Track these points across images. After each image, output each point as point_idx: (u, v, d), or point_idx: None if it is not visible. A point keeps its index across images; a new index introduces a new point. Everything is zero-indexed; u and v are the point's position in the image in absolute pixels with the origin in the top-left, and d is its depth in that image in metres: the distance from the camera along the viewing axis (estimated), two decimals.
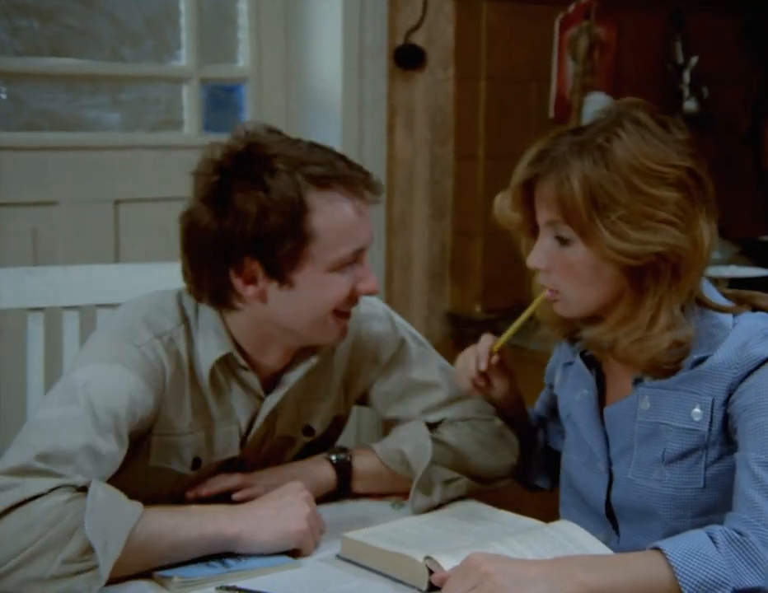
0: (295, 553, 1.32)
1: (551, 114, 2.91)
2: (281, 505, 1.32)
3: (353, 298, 1.40)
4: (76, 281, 1.84)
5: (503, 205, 1.38)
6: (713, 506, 1.29)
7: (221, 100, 2.87)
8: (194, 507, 1.33)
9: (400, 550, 1.28)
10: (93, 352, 1.40)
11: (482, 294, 2.82)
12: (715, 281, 1.38)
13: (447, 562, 1.21)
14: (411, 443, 1.53)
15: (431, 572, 1.23)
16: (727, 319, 1.32)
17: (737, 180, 3.25)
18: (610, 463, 1.38)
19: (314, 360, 1.48)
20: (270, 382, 1.47)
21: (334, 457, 1.53)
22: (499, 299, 2.72)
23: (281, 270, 1.35)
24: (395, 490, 1.53)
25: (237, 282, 1.37)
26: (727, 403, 1.28)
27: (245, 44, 2.85)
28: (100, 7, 2.61)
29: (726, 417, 1.29)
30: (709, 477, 1.30)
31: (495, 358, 1.47)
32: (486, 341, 1.48)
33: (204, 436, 1.45)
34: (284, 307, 1.38)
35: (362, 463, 1.53)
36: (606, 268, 1.28)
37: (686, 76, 3.11)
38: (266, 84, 2.88)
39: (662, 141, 1.29)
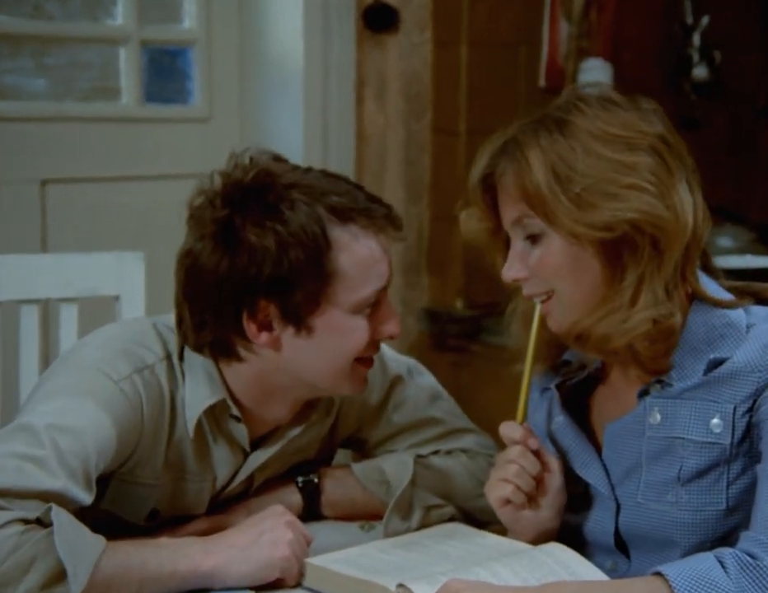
0: (278, 583, 1.33)
1: (542, 82, 2.93)
2: (261, 531, 1.33)
3: (374, 343, 1.43)
4: None
5: (470, 220, 1.40)
6: (737, 529, 1.30)
7: (164, 65, 2.87)
8: (165, 540, 1.33)
9: (370, 577, 1.29)
10: (59, 387, 1.38)
11: (464, 287, 2.83)
12: (714, 273, 1.40)
13: (422, 591, 1.22)
14: (393, 461, 1.56)
15: None
16: (739, 318, 1.35)
17: (753, 158, 3.28)
18: (612, 487, 1.40)
19: (314, 416, 1.51)
20: (257, 435, 1.49)
21: (300, 479, 1.55)
22: (483, 293, 2.72)
23: (300, 314, 1.37)
24: (368, 517, 1.55)
25: (250, 329, 1.38)
26: (751, 410, 1.30)
27: (192, 2, 2.85)
28: None
29: (750, 427, 1.30)
30: (731, 496, 1.31)
31: (527, 426, 1.40)
32: (510, 426, 1.39)
33: (171, 490, 1.46)
34: (301, 356, 1.39)
35: (334, 487, 1.55)
36: (583, 254, 1.30)
37: (696, 38, 3.13)
38: (216, 48, 2.88)
39: (626, 110, 1.34)
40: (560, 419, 1.45)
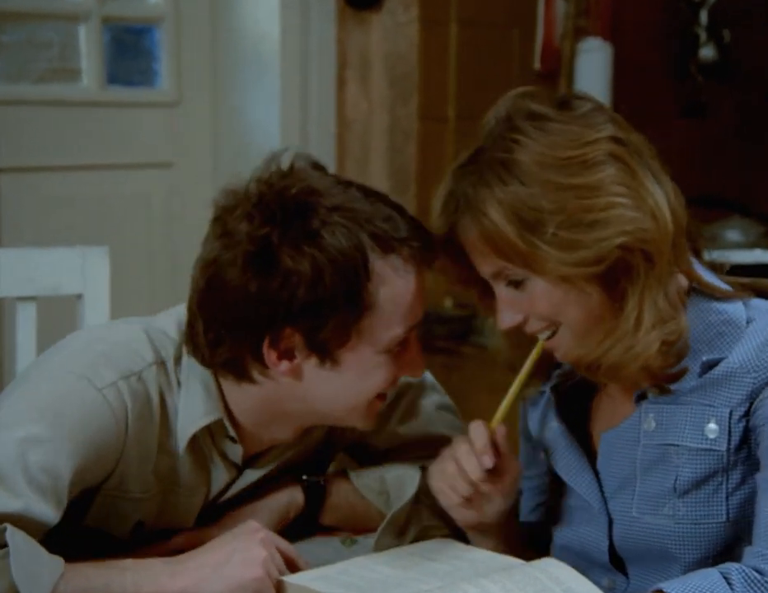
0: None
1: (537, 65, 2.95)
2: (232, 549, 1.33)
3: (396, 381, 1.44)
4: None
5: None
6: (739, 542, 1.31)
7: (128, 44, 2.87)
8: (129, 561, 1.33)
9: None
10: (34, 394, 1.37)
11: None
12: (713, 267, 1.41)
13: None
14: (396, 471, 1.56)
15: None
16: (737, 313, 1.36)
17: (764, 145, 3.29)
18: (605, 501, 1.41)
19: (315, 434, 1.53)
20: (250, 453, 1.49)
21: (305, 476, 1.55)
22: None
23: (327, 346, 1.37)
24: (365, 528, 1.55)
25: (269, 356, 1.37)
26: (748, 414, 1.31)
27: None
28: None
29: (747, 432, 1.31)
30: (732, 507, 1.32)
31: (502, 430, 1.39)
32: (478, 429, 1.38)
33: (160, 503, 1.46)
34: (321, 388, 1.40)
35: (339, 491, 1.56)
36: (572, 288, 1.31)
37: (703, 16, 3.14)
38: (186, 26, 2.88)
39: (566, 122, 1.32)
40: (554, 425, 1.46)
